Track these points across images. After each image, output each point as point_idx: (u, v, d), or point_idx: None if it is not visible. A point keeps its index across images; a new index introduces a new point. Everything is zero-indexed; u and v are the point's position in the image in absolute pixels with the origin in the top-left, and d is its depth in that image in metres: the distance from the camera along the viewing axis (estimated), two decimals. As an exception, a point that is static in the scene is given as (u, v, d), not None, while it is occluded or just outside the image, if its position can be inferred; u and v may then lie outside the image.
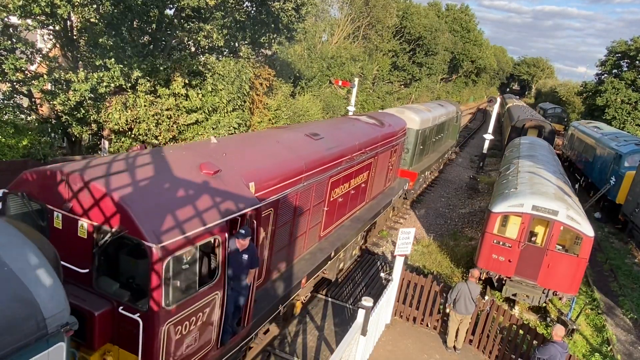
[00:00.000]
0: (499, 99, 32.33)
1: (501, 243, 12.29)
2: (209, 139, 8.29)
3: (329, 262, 10.69)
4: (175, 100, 15.21)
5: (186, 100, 15.56)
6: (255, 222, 6.96)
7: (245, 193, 6.89)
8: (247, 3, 18.12)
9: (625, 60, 46.65)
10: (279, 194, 8.16)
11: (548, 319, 12.50)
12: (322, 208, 10.36)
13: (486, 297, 12.73)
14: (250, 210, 6.75)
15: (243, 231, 6.59)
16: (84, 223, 5.63)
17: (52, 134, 14.48)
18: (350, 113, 25.04)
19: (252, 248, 6.82)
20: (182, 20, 16.53)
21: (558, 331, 8.14)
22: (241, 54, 18.96)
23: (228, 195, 6.55)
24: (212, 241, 6.05)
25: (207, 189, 6.36)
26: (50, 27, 13.42)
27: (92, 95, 13.43)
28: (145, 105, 14.44)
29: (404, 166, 18.70)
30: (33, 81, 12.75)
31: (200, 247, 5.85)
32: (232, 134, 17.18)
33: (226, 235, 6.21)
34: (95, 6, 12.51)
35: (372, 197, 14.33)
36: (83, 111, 13.69)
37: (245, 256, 6.76)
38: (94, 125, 14.53)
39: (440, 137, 25.33)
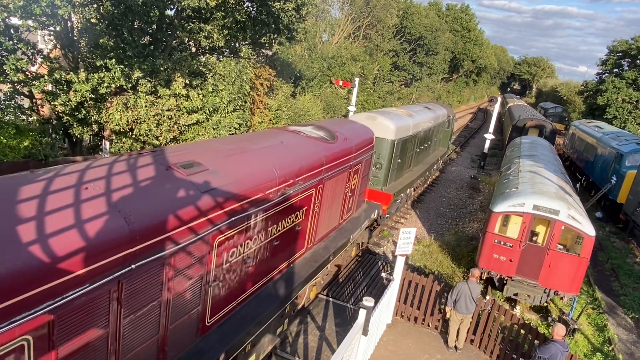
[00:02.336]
0: (499, 99, 32.32)
1: (502, 243, 12.29)
2: None
3: None
4: (176, 101, 15.23)
5: (187, 100, 15.58)
6: None
7: None
8: (247, 3, 18.13)
9: (626, 60, 46.66)
10: (56, 301, 4.13)
11: (549, 319, 12.50)
12: (204, 285, 6.39)
13: (487, 297, 12.73)
14: None
15: None
16: None
17: (53, 135, 14.50)
18: (351, 113, 25.04)
19: None
20: (182, 21, 16.55)
21: (559, 330, 8.14)
22: (242, 54, 18.98)
23: None
24: None
25: None
26: (51, 28, 13.43)
27: (93, 96, 13.45)
28: (146, 106, 14.45)
29: (376, 186, 15.64)
30: (34, 82, 12.77)
31: None
32: (232, 134, 17.20)
33: None
34: (95, 6, 12.52)
35: (319, 239, 10.59)
36: (84, 112, 13.71)
37: None
38: (95, 126, 14.54)
39: (426, 146, 21.54)
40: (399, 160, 16.92)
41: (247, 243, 7.36)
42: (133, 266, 5.01)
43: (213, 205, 6.28)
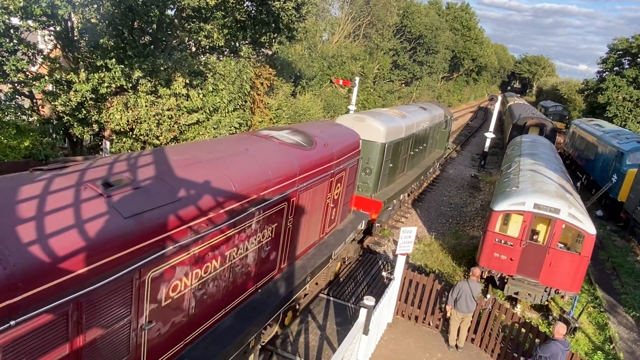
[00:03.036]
0: (500, 97, 32.31)
1: (503, 241, 12.29)
2: None
3: None
4: (176, 100, 15.24)
5: (187, 100, 15.59)
6: None
7: None
8: (247, 3, 18.14)
9: (627, 58, 46.61)
10: None
11: (550, 317, 12.50)
12: (134, 330, 5.30)
13: (488, 296, 12.74)
14: None
15: None
16: None
17: (54, 135, 14.52)
18: (351, 111, 25.04)
19: None
20: (182, 20, 16.55)
21: (560, 329, 8.14)
22: (242, 53, 18.99)
23: None
24: None
25: None
26: (51, 28, 13.45)
27: (93, 96, 13.46)
28: (146, 106, 14.46)
29: (365, 192, 14.72)
30: (34, 82, 12.78)
31: None
32: (232, 133, 17.21)
33: None
34: (95, 6, 12.52)
35: (294, 258, 9.55)
36: (84, 112, 13.72)
37: None
38: (95, 126, 14.56)
39: (421, 148, 20.37)
40: (391, 165, 15.84)
41: (197, 273, 6.13)
42: (13, 322, 3.86)
43: (141, 232, 5.02)
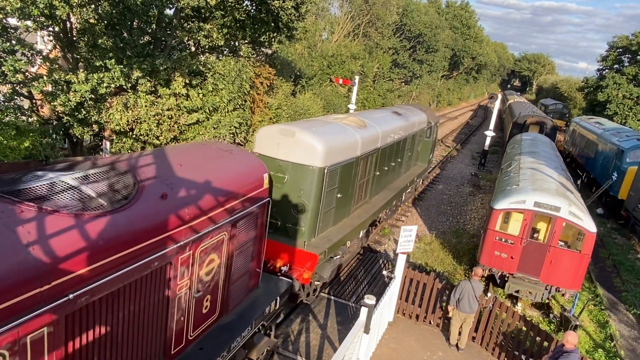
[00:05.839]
0: (500, 96, 32.28)
1: (503, 240, 12.28)
2: None
3: None
4: (176, 100, 15.23)
5: (187, 100, 15.58)
6: None
7: None
8: (247, 2, 18.11)
9: (627, 56, 46.57)
10: None
11: (551, 315, 12.51)
12: None
13: (489, 294, 12.74)
14: None
15: None
16: None
17: (54, 135, 14.50)
18: (351, 110, 25.01)
19: None
20: (181, 20, 16.53)
21: (572, 339, 7.73)
22: (241, 53, 18.98)
23: None
24: None
25: None
26: (50, 29, 13.42)
27: (93, 96, 13.44)
28: (146, 106, 14.45)
29: (298, 239, 10.26)
30: (33, 82, 12.76)
31: None
32: (233, 133, 17.22)
33: None
34: (93, 7, 12.51)
35: None
36: (84, 112, 13.70)
37: None
38: (95, 126, 14.54)
39: (393, 164, 15.67)
40: (339, 195, 11.33)
41: None
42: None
43: None
